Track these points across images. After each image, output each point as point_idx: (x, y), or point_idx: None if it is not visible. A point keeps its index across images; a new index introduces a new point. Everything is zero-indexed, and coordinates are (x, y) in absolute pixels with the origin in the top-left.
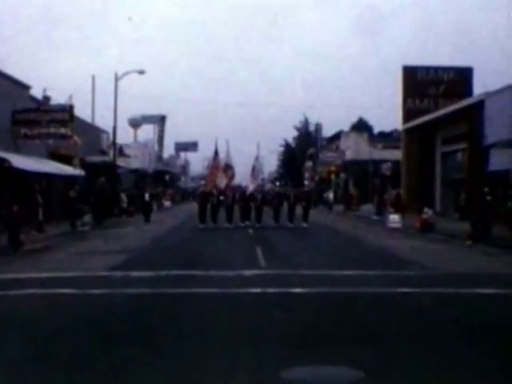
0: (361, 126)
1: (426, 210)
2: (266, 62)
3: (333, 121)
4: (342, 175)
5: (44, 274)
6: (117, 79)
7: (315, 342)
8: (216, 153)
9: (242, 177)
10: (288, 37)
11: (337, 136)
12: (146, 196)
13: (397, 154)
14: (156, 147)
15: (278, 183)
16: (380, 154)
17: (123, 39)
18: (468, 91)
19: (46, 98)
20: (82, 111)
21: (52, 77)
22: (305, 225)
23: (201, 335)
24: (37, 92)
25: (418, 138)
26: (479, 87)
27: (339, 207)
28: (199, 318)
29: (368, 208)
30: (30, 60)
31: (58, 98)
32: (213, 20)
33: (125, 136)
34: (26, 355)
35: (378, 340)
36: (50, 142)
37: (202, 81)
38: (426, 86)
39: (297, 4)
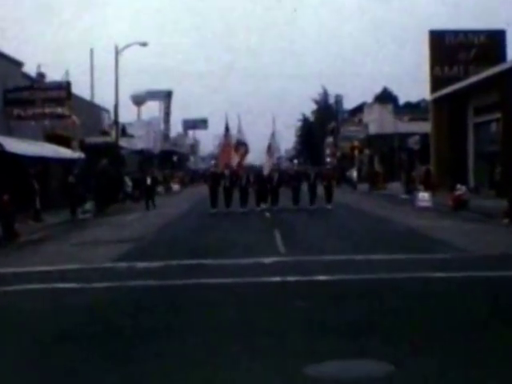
0: (385, 97)
1: (458, 186)
2: (281, 30)
3: (355, 92)
4: (366, 151)
5: (43, 268)
6: (117, 52)
7: (341, 334)
8: (227, 129)
9: (257, 155)
10: (304, 4)
11: (359, 108)
12: (148, 180)
13: (425, 127)
14: (162, 126)
15: (296, 161)
16: (407, 126)
17: (124, 10)
18: (501, 56)
19: (41, 75)
20: (80, 88)
21: (46, 52)
22: (329, 206)
23: (218, 330)
24: (30, 69)
25: (447, 109)
26: None
27: (364, 186)
28: (214, 311)
29: (395, 186)
30: (22, 34)
31: (53, 75)
32: None
33: (128, 114)
34: (28, 357)
35: (407, 331)
36: (46, 122)
37: (211, 52)
38: (454, 51)
39: None
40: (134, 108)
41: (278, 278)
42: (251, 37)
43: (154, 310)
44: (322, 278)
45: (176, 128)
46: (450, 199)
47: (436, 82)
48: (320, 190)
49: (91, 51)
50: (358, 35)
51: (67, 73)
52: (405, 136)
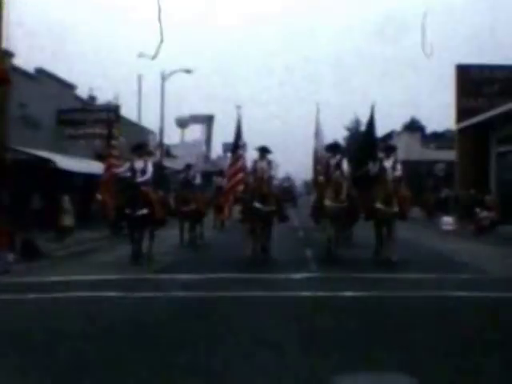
0: (413, 126)
1: (478, 210)
2: (312, 60)
3: (384, 121)
4: None
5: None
6: (163, 78)
7: (364, 348)
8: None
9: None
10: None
11: (389, 136)
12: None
13: (450, 155)
14: (203, 148)
15: None
16: (433, 154)
17: (169, 37)
18: None
19: (92, 98)
20: (128, 111)
21: (98, 76)
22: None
23: (248, 339)
24: (82, 92)
25: (472, 138)
26: None
27: None
28: (246, 321)
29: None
30: (76, 59)
31: (104, 98)
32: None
33: (172, 136)
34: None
35: (431, 347)
36: (96, 142)
37: (249, 81)
38: (479, 85)
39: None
40: (178, 131)
41: (308, 293)
42: (284, 68)
43: (190, 320)
44: (349, 293)
45: (216, 150)
46: (473, 223)
47: (461, 114)
48: None
49: (139, 77)
50: (388, 67)
51: (117, 96)
52: (431, 163)
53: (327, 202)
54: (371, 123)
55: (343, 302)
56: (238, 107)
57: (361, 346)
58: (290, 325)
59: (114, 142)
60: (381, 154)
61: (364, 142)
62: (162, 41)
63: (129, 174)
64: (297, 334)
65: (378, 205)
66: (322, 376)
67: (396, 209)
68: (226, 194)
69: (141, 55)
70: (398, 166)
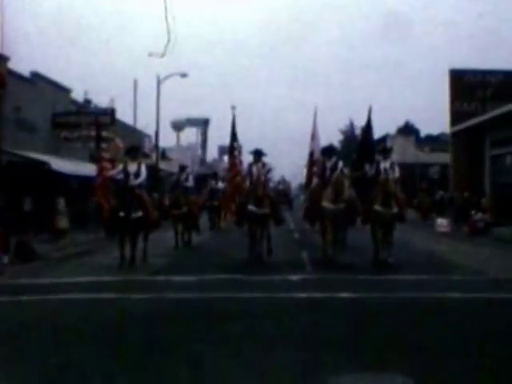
0: (407, 130)
1: (473, 212)
2: (304, 63)
3: (379, 124)
4: None
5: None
6: (159, 82)
7: (361, 348)
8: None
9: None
10: (331, 41)
11: (383, 139)
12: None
13: (445, 158)
14: (199, 151)
15: None
16: (427, 157)
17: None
18: None
19: (87, 101)
20: (124, 114)
21: (93, 80)
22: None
23: (244, 340)
24: (78, 95)
25: (465, 141)
26: None
27: None
28: (241, 322)
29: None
30: (71, 63)
31: (99, 101)
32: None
33: (167, 139)
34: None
35: (426, 348)
36: (91, 145)
37: (245, 84)
38: (473, 89)
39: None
40: (174, 134)
41: (303, 295)
42: (279, 72)
43: (187, 320)
44: (345, 295)
45: (212, 153)
46: (467, 225)
47: (455, 117)
48: None
49: (135, 81)
50: (383, 71)
51: (112, 100)
52: (425, 166)
53: (325, 204)
54: (368, 125)
55: (339, 303)
56: (233, 107)
57: (357, 347)
58: (287, 325)
59: (104, 145)
60: (378, 157)
61: (361, 144)
62: (169, 40)
63: (121, 176)
64: (293, 334)
65: (377, 207)
66: (318, 377)
67: (395, 210)
68: (228, 197)
69: (150, 54)
70: (396, 168)
